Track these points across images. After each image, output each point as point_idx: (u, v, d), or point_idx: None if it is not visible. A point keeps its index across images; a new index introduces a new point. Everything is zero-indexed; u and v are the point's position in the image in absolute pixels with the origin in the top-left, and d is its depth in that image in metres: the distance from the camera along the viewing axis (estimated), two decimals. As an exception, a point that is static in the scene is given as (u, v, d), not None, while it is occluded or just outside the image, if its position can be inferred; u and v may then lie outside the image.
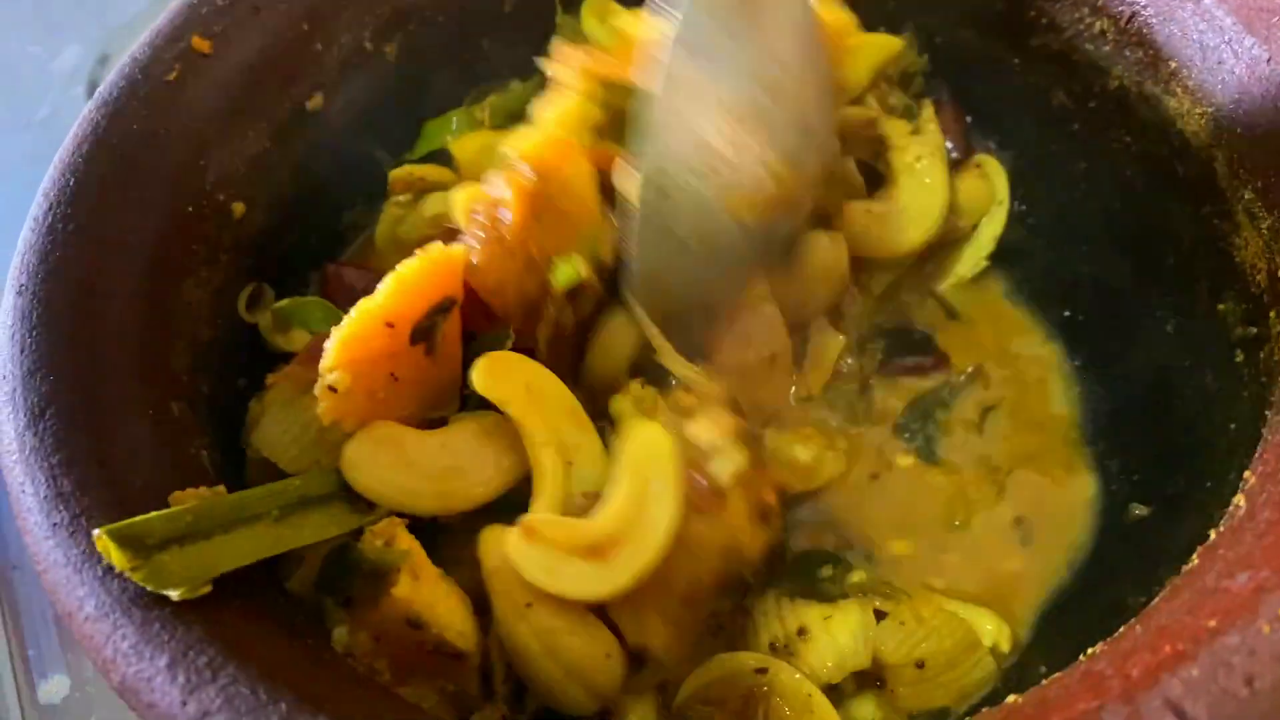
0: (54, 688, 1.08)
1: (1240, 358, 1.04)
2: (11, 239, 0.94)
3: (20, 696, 1.07)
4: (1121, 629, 0.76)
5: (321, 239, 1.22)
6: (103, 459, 0.82)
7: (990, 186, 1.29)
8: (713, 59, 0.91)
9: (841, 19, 1.16)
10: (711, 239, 0.95)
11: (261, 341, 1.12)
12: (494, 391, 0.88)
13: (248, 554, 0.80)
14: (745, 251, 0.98)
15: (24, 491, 0.79)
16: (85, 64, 1.63)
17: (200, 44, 1.07)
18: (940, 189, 1.22)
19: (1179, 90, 1.09)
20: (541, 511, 0.87)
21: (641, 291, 0.96)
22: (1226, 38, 1.03)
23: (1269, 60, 0.99)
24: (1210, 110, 1.06)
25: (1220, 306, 1.05)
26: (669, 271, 0.95)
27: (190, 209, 1.03)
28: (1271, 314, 0.97)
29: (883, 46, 1.30)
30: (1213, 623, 0.68)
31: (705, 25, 0.90)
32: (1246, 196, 1.02)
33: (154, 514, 0.77)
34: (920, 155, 1.22)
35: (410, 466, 0.87)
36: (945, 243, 1.27)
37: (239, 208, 1.08)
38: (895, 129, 1.24)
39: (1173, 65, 1.09)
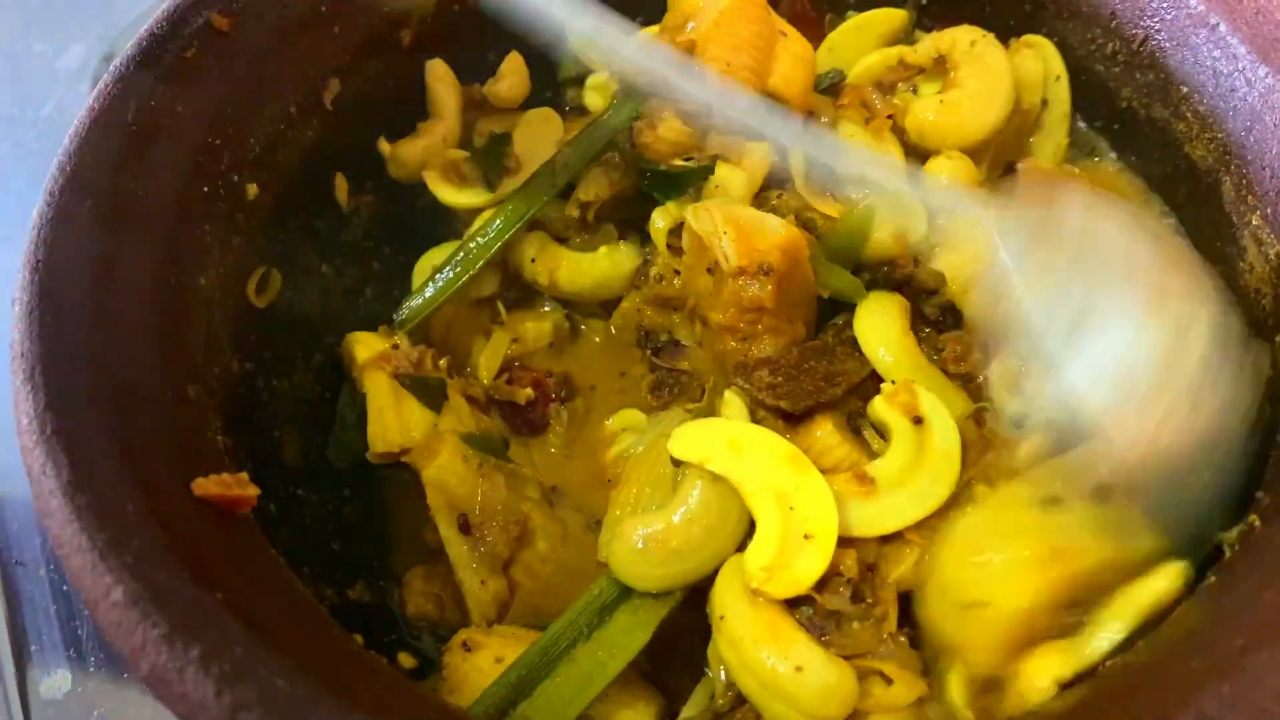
0: (56, 683, 1.06)
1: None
2: (16, 233, 0.91)
3: (22, 692, 1.05)
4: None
5: (329, 224, 1.20)
6: (125, 442, 0.80)
7: (1045, 62, 1.24)
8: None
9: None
10: None
11: (268, 326, 1.10)
12: (691, 455, 0.92)
13: (583, 692, 0.87)
14: None
15: (45, 474, 0.76)
16: (91, 62, 1.62)
17: (219, 21, 1.05)
18: (1002, 62, 1.18)
19: (1189, 115, 1.12)
20: (757, 555, 0.87)
21: None
22: (1240, 66, 1.06)
23: (1283, 90, 1.02)
24: (1220, 136, 1.08)
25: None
26: None
27: (205, 189, 1.01)
28: (1277, 339, 0.99)
29: (885, 20, 1.30)
30: (1240, 640, 0.69)
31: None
32: (1254, 222, 1.04)
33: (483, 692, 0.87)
34: (973, 39, 1.19)
35: (675, 554, 0.89)
36: (1021, 132, 1.25)
37: (252, 189, 1.06)
38: (932, 38, 1.23)
39: (1184, 90, 1.12)
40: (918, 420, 0.94)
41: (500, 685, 0.88)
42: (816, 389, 0.98)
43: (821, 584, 0.87)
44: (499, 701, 0.87)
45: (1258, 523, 0.82)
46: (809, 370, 1.00)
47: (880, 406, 0.96)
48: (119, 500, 0.76)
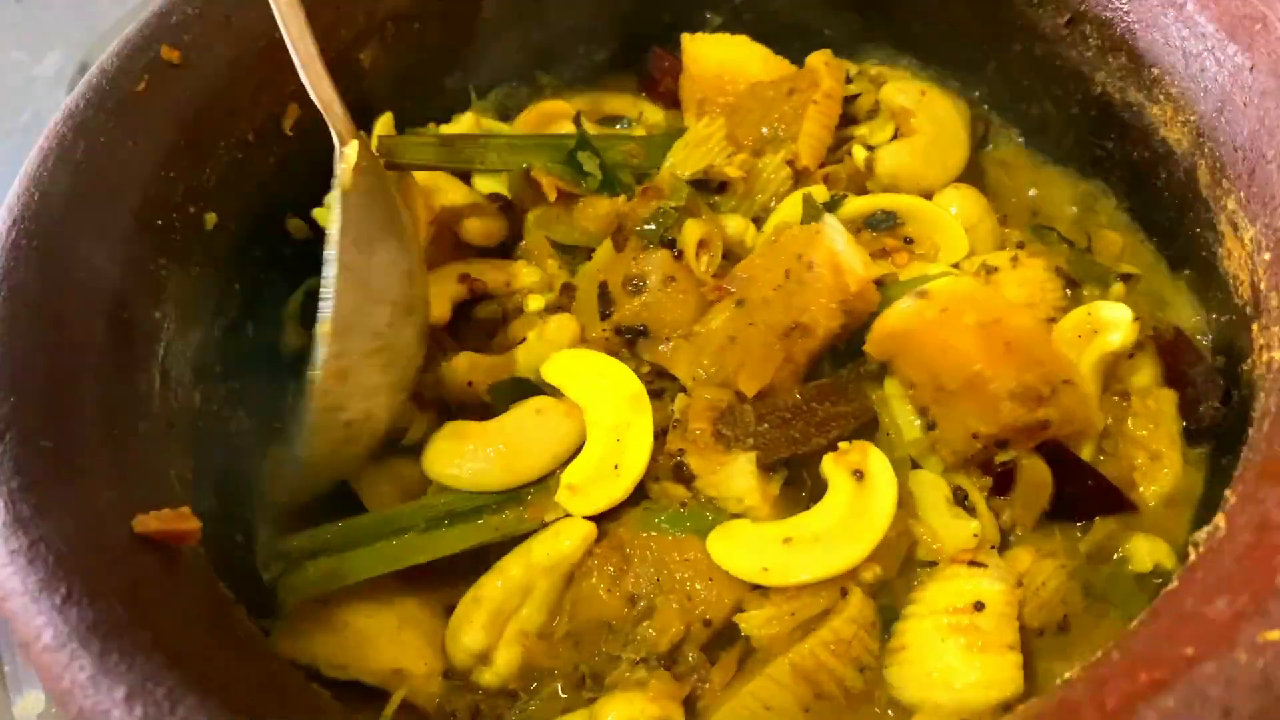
0: (29, 704, 1.06)
1: (1220, 362, 1.04)
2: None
3: (-4, 712, 1.06)
4: (1099, 653, 0.75)
5: (295, 249, 1.20)
6: (64, 482, 0.81)
7: None
8: (373, 255, 1.01)
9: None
10: (373, 423, 1.01)
11: (232, 356, 1.11)
12: (558, 379, 1.03)
13: (384, 564, 0.96)
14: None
15: (-17, 517, 0.77)
16: (68, 70, 1.62)
17: (169, 54, 1.05)
18: (954, 116, 1.25)
19: (1161, 98, 1.09)
20: (574, 472, 0.99)
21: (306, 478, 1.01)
22: (1209, 45, 1.02)
23: (1251, 69, 0.98)
24: (1193, 118, 1.05)
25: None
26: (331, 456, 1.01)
27: (160, 222, 1.01)
28: (1254, 326, 0.96)
29: None
30: (1190, 650, 0.67)
31: (364, 225, 1.01)
32: (1229, 206, 1.00)
33: (302, 533, 0.97)
34: (923, 89, 1.25)
35: (477, 453, 1.00)
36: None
37: (210, 219, 1.07)
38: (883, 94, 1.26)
39: (1155, 72, 1.08)
40: (859, 474, 0.92)
41: (313, 538, 0.97)
42: (804, 436, 0.96)
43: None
44: (309, 547, 0.96)
45: (1222, 524, 0.78)
46: (806, 413, 0.98)
47: (828, 462, 0.95)
48: (56, 541, 0.76)
